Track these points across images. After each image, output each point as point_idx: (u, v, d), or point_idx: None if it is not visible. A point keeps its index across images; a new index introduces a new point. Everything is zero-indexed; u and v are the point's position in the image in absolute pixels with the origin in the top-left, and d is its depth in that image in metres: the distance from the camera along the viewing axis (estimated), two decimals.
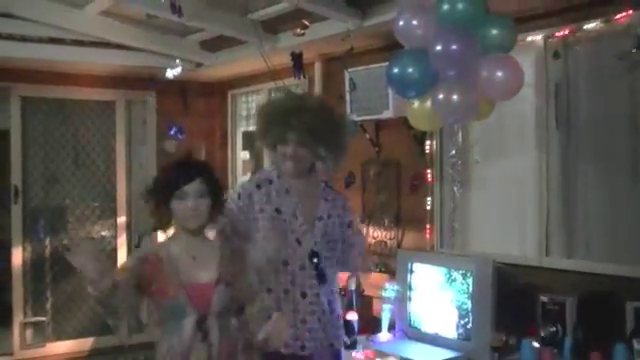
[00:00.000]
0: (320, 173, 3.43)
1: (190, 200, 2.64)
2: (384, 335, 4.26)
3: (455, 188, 4.41)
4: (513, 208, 4.22)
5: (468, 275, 3.83)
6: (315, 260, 3.21)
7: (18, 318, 6.37)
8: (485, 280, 3.73)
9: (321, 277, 3.21)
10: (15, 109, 6.40)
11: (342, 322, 3.48)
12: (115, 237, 6.77)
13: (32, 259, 6.44)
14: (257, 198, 3.30)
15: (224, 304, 2.65)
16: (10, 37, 5.53)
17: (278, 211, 3.28)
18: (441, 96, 3.23)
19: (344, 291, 4.89)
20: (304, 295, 3.24)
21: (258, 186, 3.33)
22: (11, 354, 6.35)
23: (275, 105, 3.47)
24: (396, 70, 3.37)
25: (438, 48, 3.14)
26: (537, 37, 3.96)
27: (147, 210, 2.77)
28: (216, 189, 2.74)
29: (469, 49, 3.16)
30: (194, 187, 2.66)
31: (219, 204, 2.77)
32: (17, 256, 6.38)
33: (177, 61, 5.88)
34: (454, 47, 3.13)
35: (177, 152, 6.47)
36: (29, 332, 6.40)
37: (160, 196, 2.69)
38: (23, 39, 5.59)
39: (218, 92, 7.04)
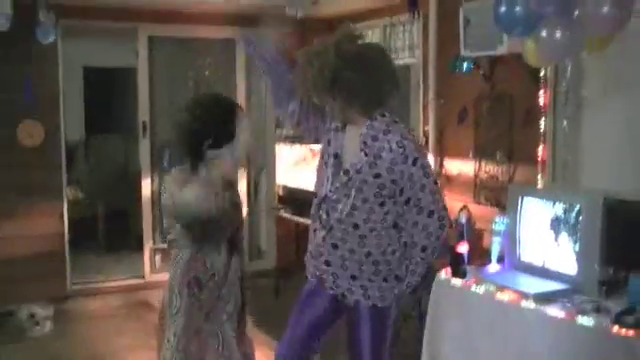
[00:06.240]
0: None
1: None
2: (493, 267, 4.35)
3: (565, 122, 4.36)
4: (630, 144, 4.15)
5: (578, 209, 3.85)
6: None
7: (148, 245, 6.82)
8: (594, 215, 3.75)
9: None
10: (142, 48, 6.73)
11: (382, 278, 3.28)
12: None
13: (159, 190, 6.82)
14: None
15: None
16: None
17: (336, 156, 3.30)
18: (544, 34, 3.22)
19: (455, 223, 4.99)
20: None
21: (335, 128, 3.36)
22: (142, 277, 6.84)
23: (303, 56, 3.44)
24: (503, 8, 3.37)
25: None
26: None
27: None
28: None
29: None
30: None
31: None
32: (146, 187, 6.81)
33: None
34: None
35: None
36: (158, 258, 6.84)
37: None
38: None
39: (335, 28, 7.08)
